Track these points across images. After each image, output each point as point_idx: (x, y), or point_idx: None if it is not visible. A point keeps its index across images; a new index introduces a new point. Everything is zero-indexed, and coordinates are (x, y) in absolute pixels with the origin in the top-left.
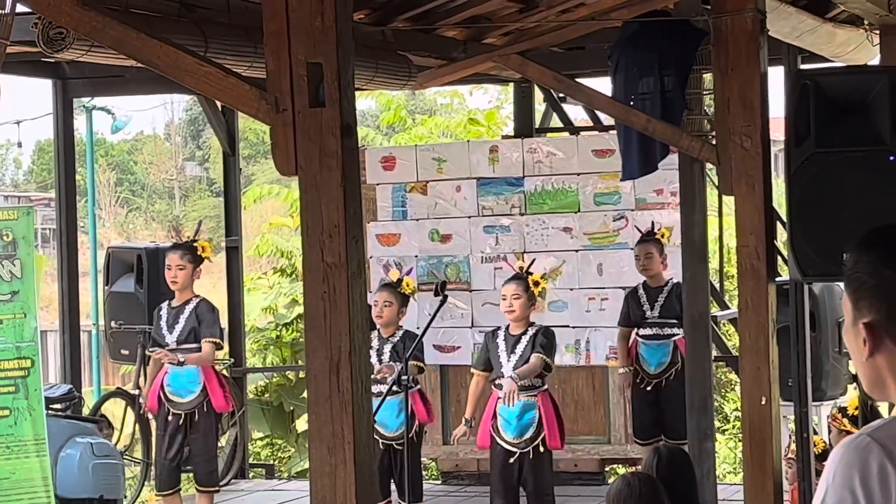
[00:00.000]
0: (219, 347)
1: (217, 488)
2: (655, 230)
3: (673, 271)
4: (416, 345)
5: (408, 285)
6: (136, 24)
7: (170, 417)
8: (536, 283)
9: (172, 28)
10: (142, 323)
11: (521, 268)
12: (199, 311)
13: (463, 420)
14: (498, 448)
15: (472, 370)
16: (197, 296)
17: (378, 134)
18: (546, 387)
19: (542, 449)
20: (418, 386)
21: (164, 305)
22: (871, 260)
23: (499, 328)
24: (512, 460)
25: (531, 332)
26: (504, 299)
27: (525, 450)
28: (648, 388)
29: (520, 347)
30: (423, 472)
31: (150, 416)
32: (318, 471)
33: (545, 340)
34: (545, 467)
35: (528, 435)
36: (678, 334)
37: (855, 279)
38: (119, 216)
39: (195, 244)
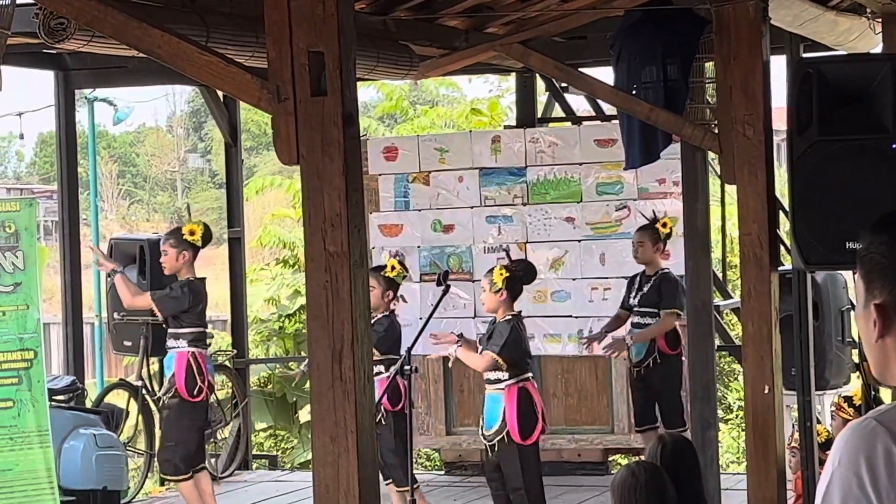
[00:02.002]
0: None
1: (179, 478)
2: (657, 219)
3: (675, 261)
4: (419, 332)
5: (393, 268)
6: (137, 14)
7: (159, 401)
8: (500, 274)
9: (173, 17)
10: (144, 314)
11: (507, 262)
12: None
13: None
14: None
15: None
16: (183, 278)
17: (380, 125)
18: (515, 381)
19: (507, 443)
20: (388, 373)
21: None
22: (884, 241)
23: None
24: (489, 454)
25: (499, 322)
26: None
27: (492, 443)
28: (634, 377)
29: (486, 337)
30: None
31: (152, 407)
32: (321, 460)
33: (495, 332)
34: (514, 461)
35: (494, 428)
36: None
37: (868, 260)
38: (121, 208)
39: (181, 228)
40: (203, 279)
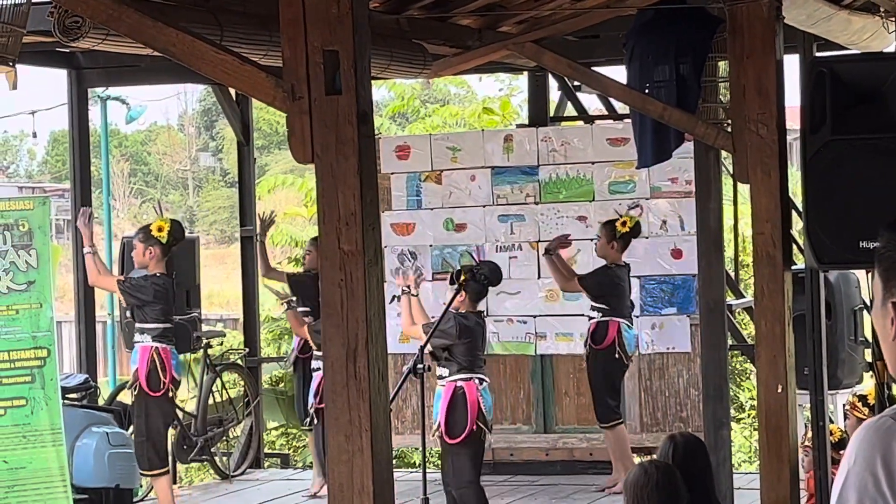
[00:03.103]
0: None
1: (154, 472)
2: (620, 216)
3: (687, 260)
4: (432, 332)
5: (160, 229)
6: (152, 13)
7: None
8: (463, 279)
9: (187, 16)
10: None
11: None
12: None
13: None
14: None
15: None
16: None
17: (392, 124)
18: (457, 377)
19: (444, 439)
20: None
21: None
22: None
23: None
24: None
25: (451, 311)
26: None
27: (433, 438)
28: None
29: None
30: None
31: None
32: (336, 458)
33: (442, 317)
34: (449, 457)
35: (435, 424)
36: (592, 318)
37: (887, 258)
38: (133, 207)
39: (151, 225)
40: (171, 277)
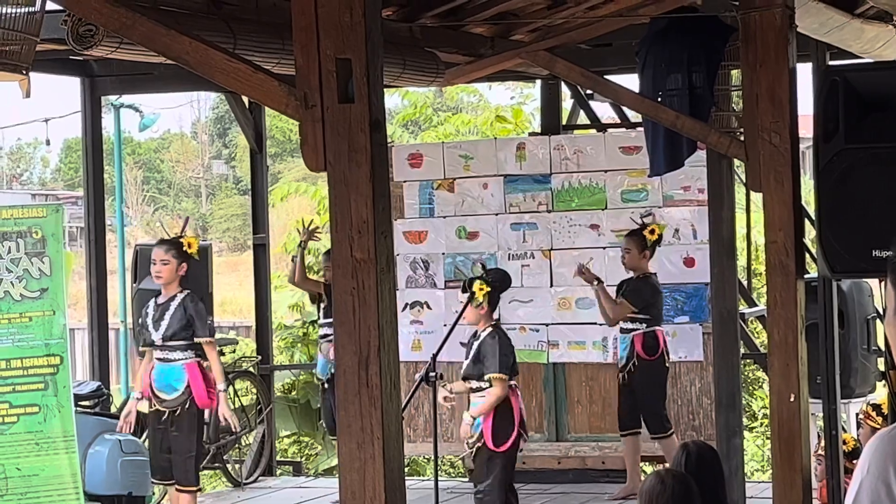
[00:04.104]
0: (211, 343)
1: (195, 488)
2: (646, 225)
3: (700, 268)
4: (444, 340)
5: (190, 246)
6: (166, 21)
7: (155, 413)
8: (481, 289)
9: (200, 25)
10: None
11: (485, 267)
12: (187, 308)
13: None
14: None
15: None
16: (182, 291)
17: (404, 132)
18: (489, 388)
19: (482, 447)
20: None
21: (151, 302)
22: None
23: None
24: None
25: (483, 335)
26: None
27: (472, 448)
28: (619, 381)
29: (472, 351)
30: (451, 470)
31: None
32: (348, 466)
33: (490, 358)
34: (483, 465)
35: (476, 434)
36: (636, 330)
37: None
38: (146, 214)
39: (181, 240)
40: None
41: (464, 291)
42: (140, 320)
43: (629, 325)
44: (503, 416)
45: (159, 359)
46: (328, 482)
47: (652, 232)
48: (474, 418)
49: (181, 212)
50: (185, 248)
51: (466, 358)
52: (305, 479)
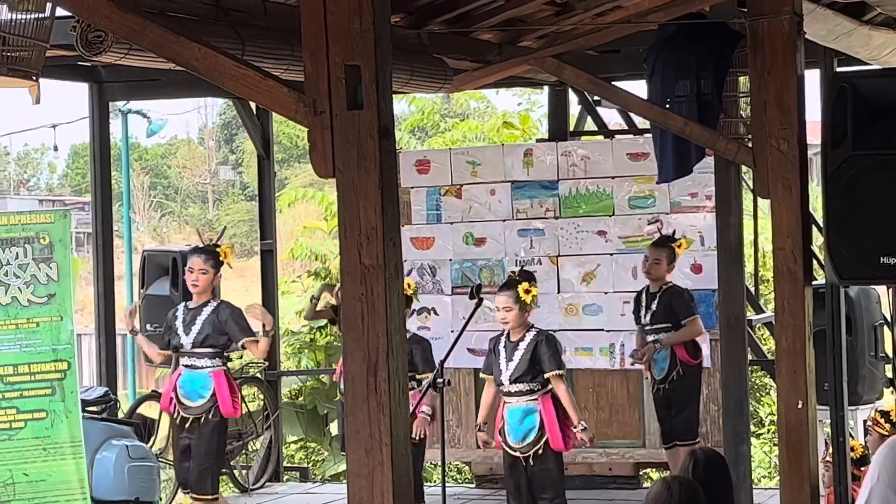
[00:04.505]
0: (255, 340)
1: (210, 497)
2: (675, 238)
3: (707, 275)
4: (452, 346)
5: (409, 286)
6: (175, 28)
7: (178, 420)
8: (527, 291)
9: (209, 31)
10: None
11: (512, 273)
12: (220, 314)
13: (476, 426)
14: (506, 452)
15: (482, 374)
16: (215, 298)
17: (412, 138)
18: (548, 389)
19: (543, 452)
20: (419, 388)
21: (181, 307)
22: None
23: (501, 333)
24: (518, 464)
25: (529, 337)
26: (498, 310)
27: (527, 454)
28: (656, 393)
29: (517, 354)
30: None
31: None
32: (356, 472)
33: (549, 351)
34: (550, 469)
35: (530, 439)
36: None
37: None
38: (153, 220)
39: (218, 249)
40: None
41: (471, 298)
42: (167, 324)
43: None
44: (562, 416)
45: (186, 365)
46: (335, 488)
47: (679, 246)
48: (580, 425)
49: (188, 217)
50: (221, 258)
51: (507, 361)
52: (312, 485)
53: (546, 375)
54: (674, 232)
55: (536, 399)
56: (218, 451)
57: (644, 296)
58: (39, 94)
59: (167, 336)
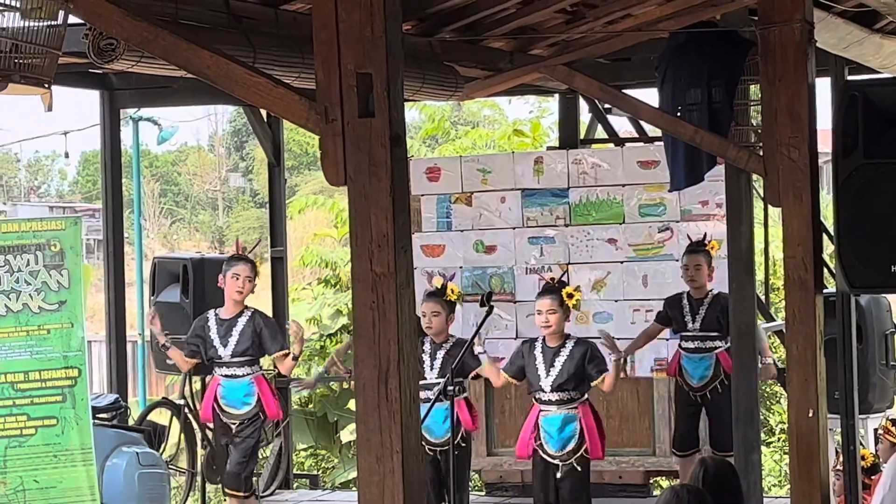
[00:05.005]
0: (286, 354)
1: (243, 494)
2: (706, 241)
3: (717, 283)
4: (463, 352)
5: (452, 291)
6: (187, 35)
7: (222, 427)
8: (570, 296)
9: (220, 39)
10: (187, 333)
11: (552, 279)
12: (256, 324)
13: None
14: (539, 459)
15: (502, 371)
16: (248, 308)
17: (422, 146)
18: (587, 398)
19: (580, 460)
20: (465, 394)
21: (212, 316)
22: None
23: (536, 339)
24: (555, 473)
25: (570, 345)
26: (539, 314)
27: (567, 462)
28: (691, 401)
29: (559, 361)
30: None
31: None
32: (367, 480)
33: (597, 358)
34: (583, 478)
35: (569, 447)
36: (720, 347)
37: None
38: (163, 227)
39: (254, 259)
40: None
41: (482, 305)
42: (196, 333)
43: (713, 343)
44: (600, 425)
45: (225, 375)
46: (345, 495)
47: (712, 248)
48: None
49: (198, 224)
50: (256, 267)
51: (547, 368)
52: (322, 493)
53: (594, 383)
54: (705, 236)
55: (576, 407)
56: (255, 451)
57: (687, 302)
58: (52, 102)
59: (195, 345)
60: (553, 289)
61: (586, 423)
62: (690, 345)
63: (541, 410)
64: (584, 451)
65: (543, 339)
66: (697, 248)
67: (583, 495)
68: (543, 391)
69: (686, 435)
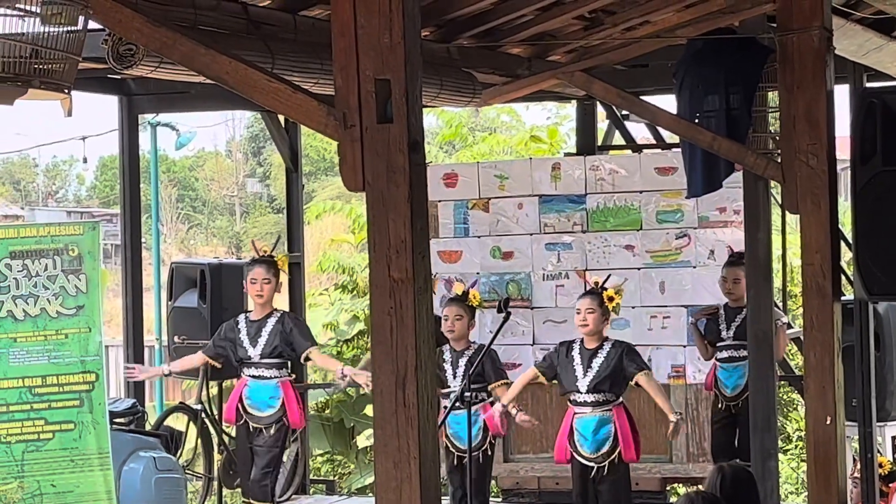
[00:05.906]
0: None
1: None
2: (740, 254)
3: None
4: (480, 358)
5: (475, 297)
6: (205, 41)
7: (245, 430)
8: (611, 299)
9: (239, 45)
10: (205, 338)
11: (596, 283)
12: (285, 324)
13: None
14: (576, 463)
15: (534, 366)
16: (276, 309)
17: (440, 152)
18: (621, 401)
19: (617, 462)
20: (490, 399)
21: (242, 319)
22: None
23: (574, 341)
24: (590, 475)
25: (607, 347)
26: (578, 313)
27: (602, 464)
28: (725, 411)
29: (596, 362)
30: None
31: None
32: (384, 486)
33: (638, 357)
34: (621, 480)
35: (604, 449)
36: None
37: None
38: (180, 232)
39: (274, 258)
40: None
41: (499, 311)
42: (224, 335)
43: (745, 353)
44: (634, 427)
45: (253, 376)
46: (361, 501)
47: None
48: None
49: (215, 230)
50: (279, 267)
51: (584, 369)
52: (339, 498)
53: (635, 380)
54: (731, 249)
55: (611, 410)
56: (279, 459)
57: (723, 311)
58: (71, 107)
59: (223, 346)
60: (595, 290)
61: (620, 426)
62: (724, 354)
63: (575, 413)
64: (618, 454)
65: (582, 341)
66: (736, 260)
67: (623, 498)
68: (579, 392)
69: (723, 444)
